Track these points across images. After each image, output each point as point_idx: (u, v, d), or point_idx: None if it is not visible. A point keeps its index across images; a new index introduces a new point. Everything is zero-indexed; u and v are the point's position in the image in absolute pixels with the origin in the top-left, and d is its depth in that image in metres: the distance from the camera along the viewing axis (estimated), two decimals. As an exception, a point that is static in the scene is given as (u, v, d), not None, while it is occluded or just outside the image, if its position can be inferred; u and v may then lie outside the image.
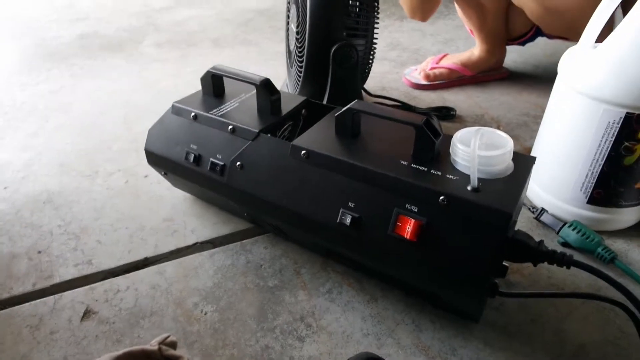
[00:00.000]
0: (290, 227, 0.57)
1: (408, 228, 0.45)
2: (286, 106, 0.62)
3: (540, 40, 1.08)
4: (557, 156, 0.63)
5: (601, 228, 0.63)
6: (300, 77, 0.82)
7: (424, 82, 1.07)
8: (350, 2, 0.76)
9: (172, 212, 0.69)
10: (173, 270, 0.59)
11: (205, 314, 0.54)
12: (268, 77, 0.60)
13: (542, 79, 1.12)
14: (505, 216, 0.42)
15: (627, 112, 0.54)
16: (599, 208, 0.62)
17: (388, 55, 1.27)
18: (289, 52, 0.92)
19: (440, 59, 1.11)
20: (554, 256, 0.46)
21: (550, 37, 1.03)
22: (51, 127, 0.93)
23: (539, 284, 0.57)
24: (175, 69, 1.20)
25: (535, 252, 0.46)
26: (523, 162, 0.48)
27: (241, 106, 0.63)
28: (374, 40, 0.81)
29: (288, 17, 0.89)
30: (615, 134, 0.56)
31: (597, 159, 0.58)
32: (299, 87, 0.83)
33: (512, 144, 0.46)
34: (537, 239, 0.47)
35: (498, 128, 0.90)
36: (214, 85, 0.64)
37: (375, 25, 0.80)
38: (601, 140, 0.57)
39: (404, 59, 1.25)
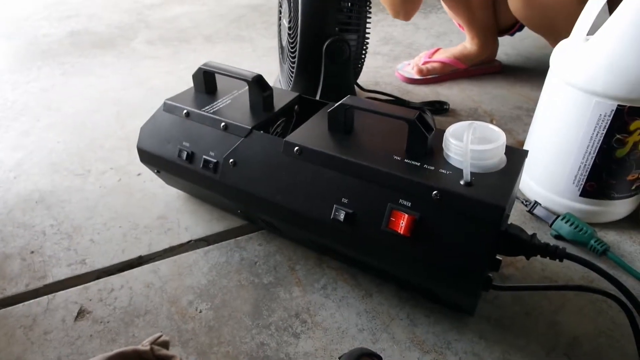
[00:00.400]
0: (284, 223, 0.56)
1: (402, 223, 0.45)
2: (279, 102, 0.62)
3: (532, 32, 1.08)
4: (549, 149, 0.63)
5: (594, 220, 0.63)
6: (292, 72, 0.81)
7: (417, 76, 1.07)
8: (342, -4, 0.75)
9: (166, 210, 0.69)
10: (167, 269, 0.59)
11: (200, 311, 0.54)
12: (261, 73, 0.59)
13: (534, 71, 1.13)
14: (498, 210, 0.42)
15: (619, 105, 0.54)
16: (591, 200, 0.62)
17: (381, 50, 1.27)
18: (281, 47, 0.91)
19: (433, 53, 1.11)
20: (546, 249, 0.46)
21: None
22: (42, 125, 0.93)
23: (532, 277, 0.57)
24: (167, 66, 1.19)
25: (528, 246, 0.46)
26: (516, 155, 0.49)
27: (233, 103, 0.62)
28: (367, 35, 0.81)
29: (280, 12, 0.89)
30: (607, 127, 0.56)
31: (589, 152, 0.58)
32: (291, 83, 0.83)
33: (504, 138, 0.47)
34: (530, 232, 0.48)
35: (491, 122, 0.91)
36: (206, 82, 0.64)
37: (368, 20, 0.79)
38: (593, 133, 0.57)
39: (397, 53, 1.25)
